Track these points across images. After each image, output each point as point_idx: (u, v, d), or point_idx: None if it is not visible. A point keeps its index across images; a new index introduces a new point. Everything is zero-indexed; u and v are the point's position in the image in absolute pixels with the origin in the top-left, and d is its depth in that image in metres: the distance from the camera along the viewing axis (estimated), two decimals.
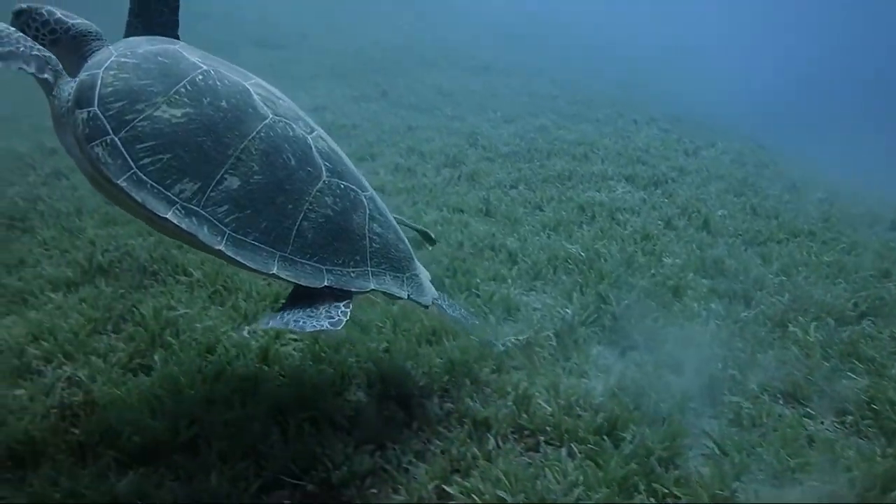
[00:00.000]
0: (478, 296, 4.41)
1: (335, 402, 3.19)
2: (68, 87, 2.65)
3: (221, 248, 2.52)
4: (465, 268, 4.76)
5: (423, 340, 3.76)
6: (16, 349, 3.47)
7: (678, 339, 3.94)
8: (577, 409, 3.23)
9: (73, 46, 2.83)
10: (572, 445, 2.99)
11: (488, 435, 3.00)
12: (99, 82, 2.57)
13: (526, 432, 3.09)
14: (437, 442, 2.98)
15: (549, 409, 3.20)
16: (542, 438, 3.06)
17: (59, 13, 2.83)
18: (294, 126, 2.82)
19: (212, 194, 2.54)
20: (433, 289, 3.15)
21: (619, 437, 3.04)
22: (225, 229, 2.54)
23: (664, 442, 2.99)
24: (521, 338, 3.86)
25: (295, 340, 3.71)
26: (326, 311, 2.64)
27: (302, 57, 13.66)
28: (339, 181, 2.83)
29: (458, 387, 3.35)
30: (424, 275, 3.16)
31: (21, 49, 2.60)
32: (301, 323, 2.56)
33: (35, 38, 2.78)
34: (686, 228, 6.13)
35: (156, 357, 3.46)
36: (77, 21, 2.85)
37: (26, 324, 3.71)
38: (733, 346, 3.95)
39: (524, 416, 3.14)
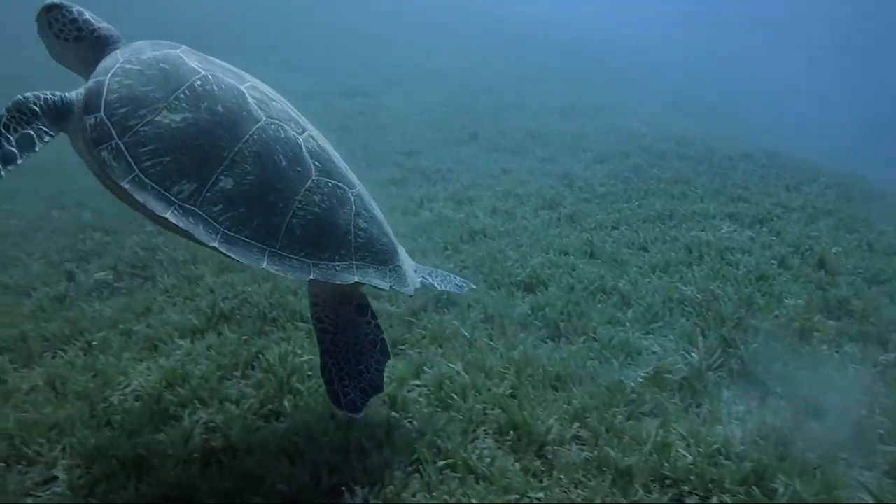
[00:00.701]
0: (595, 340, 4.34)
1: (469, 449, 3.16)
2: (77, 95, 2.83)
3: (215, 245, 2.68)
4: (580, 311, 4.69)
5: (547, 385, 3.71)
6: (153, 395, 3.58)
7: (815, 384, 3.77)
8: (720, 457, 3.11)
9: (94, 47, 3.05)
10: (720, 497, 2.87)
11: (633, 485, 2.91)
12: (105, 89, 2.75)
13: (668, 482, 2.99)
14: (580, 492, 2.91)
15: (690, 457, 3.08)
16: (685, 489, 2.95)
17: (87, 14, 3.07)
18: (286, 127, 2.97)
19: (207, 194, 2.70)
20: (416, 278, 3.29)
21: (768, 489, 2.90)
22: (219, 227, 2.70)
23: (819, 494, 2.84)
24: (648, 383, 3.77)
25: (419, 386, 3.71)
26: (361, 376, 2.95)
27: (390, 103, 13.95)
28: (328, 179, 2.98)
29: (594, 434, 3.27)
30: (409, 265, 3.30)
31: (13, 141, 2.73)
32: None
33: (60, 33, 3.04)
34: (801, 267, 5.91)
35: (286, 403, 3.51)
36: (102, 25, 3.09)
37: (160, 370, 3.84)
38: (876, 392, 3.75)
39: (665, 464, 3.04)
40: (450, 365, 3.84)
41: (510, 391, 3.62)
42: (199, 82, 2.86)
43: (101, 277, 5.56)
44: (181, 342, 4.23)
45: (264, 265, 2.74)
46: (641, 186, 8.52)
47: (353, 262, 2.95)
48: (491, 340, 4.22)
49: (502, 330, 4.39)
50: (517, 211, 7.35)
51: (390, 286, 3.06)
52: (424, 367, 3.86)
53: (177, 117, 2.75)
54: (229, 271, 5.61)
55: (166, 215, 2.65)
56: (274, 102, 3.07)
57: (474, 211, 7.28)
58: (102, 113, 2.72)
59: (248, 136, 2.83)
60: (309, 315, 4.42)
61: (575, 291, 5.06)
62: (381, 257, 3.09)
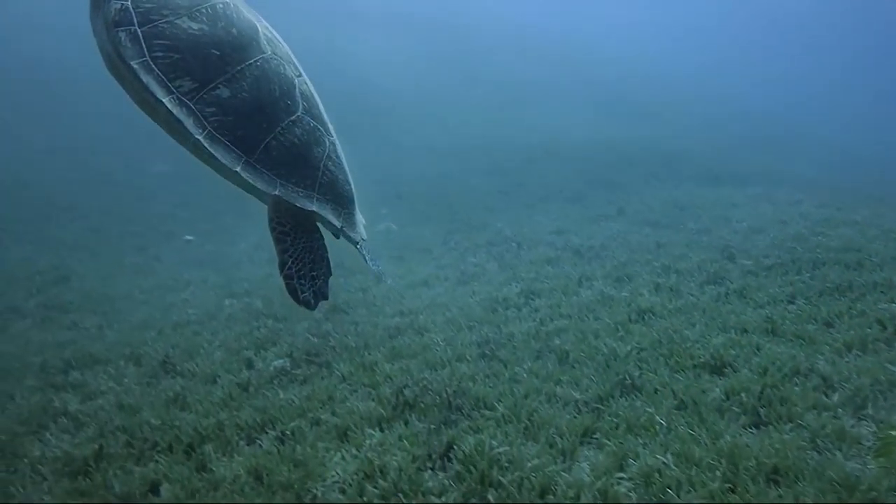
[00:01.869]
0: (804, 427, 4.02)
1: None
2: None
3: (200, 138, 3.02)
4: (780, 395, 4.38)
5: (766, 479, 3.44)
6: (356, 488, 3.57)
7: None
8: None
9: None
10: None
11: None
12: None
13: None
14: None
15: None
16: None
17: None
18: (286, 66, 3.32)
19: (204, 96, 3.02)
20: (364, 233, 3.67)
21: None
22: (207, 125, 3.03)
23: None
24: (882, 476, 3.43)
25: (626, 479, 3.53)
26: (314, 281, 3.40)
27: (530, 181, 14.04)
28: (311, 120, 3.32)
29: None
30: (360, 220, 3.72)
31: None
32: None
33: None
34: None
35: (490, 497, 3.42)
36: None
37: (356, 461, 3.84)
38: None
39: None
40: (656, 456, 3.64)
41: (727, 485, 3.38)
42: (220, 5, 3.21)
43: (280, 365, 5.72)
44: (371, 431, 4.24)
45: (238, 169, 3.11)
46: (809, 256, 8.05)
47: (315, 194, 3.33)
48: (691, 429, 3.99)
49: (699, 417, 4.15)
50: (682, 287, 7.09)
51: (341, 226, 3.51)
52: (628, 459, 3.68)
53: (194, 25, 3.07)
54: (400, 356, 5.65)
55: (164, 100, 2.99)
56: (281, 45, 3.40)
57: (637, 288, 7.08)
58: (129, 3, 3.03)
59: (252, 60, 3.19)
60: (493, 402, 4.38)
61: (769, 374, 4.75)
62: (341, 200, 3.50)
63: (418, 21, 31.27)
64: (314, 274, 3.41)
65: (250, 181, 3.12)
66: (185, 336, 6.82)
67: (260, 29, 3.34)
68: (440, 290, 7.60)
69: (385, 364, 5.45)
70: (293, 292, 3.35)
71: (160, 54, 2.97)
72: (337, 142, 3.52)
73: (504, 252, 9.07)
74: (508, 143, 18.15)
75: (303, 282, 3.37)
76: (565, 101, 23.09)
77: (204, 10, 3.11)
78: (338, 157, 3.50)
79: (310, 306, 3.32)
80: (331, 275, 3.41)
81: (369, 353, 5.78)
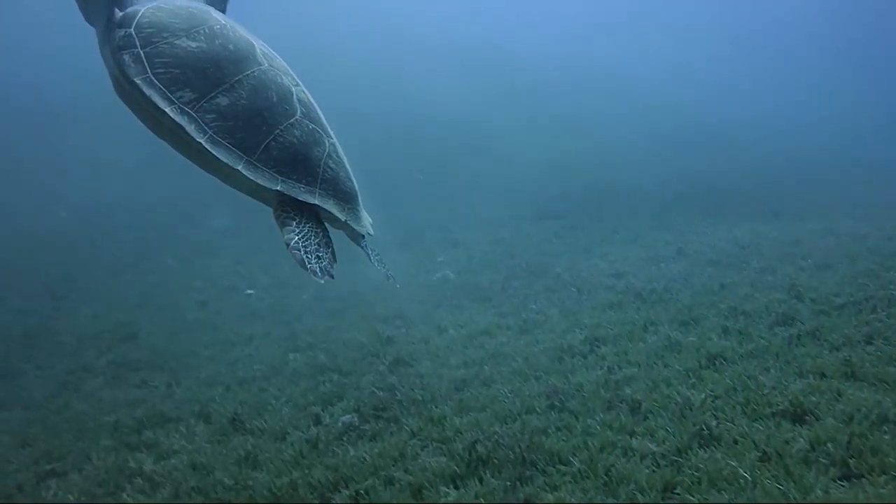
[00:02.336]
0: None
1: None
2: (117, 14, 3.45)
3: (202, 141, 3.23)
4: (870, 446, 4.21)
5: None
6: None
7: None
8: None
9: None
10: None
11: None
12: (139, 14, 3.43)
13: None
14: None
15: None
16: None
17: None
18: (283, 77, 3.56)
19: (205, 105, 3.28)
20: (370, 228, 3.82)
21: None
22: (208, 130, 3.26)
23: None
24: None
25: None
26: (320, 252, 3.41)
27: (584, 224, 13.96)
28: (309, 122, 3.53)
29: None
30: (366, 217, 3.84)
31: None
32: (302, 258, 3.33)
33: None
34: None
35: None
36: None
37: None
38: None
39: None
40: None
41: None
42: (217, 26, 3.53)
43: (348, 420, 5.73)
44: (446, 489, 4.20)
45: (240, 167, 3.30)
46: (883, 294, 7.78)
47: (317, 189, 3.49)
48: (778, 483, 3.85)
49: (785, 470, 4.01)
50: (751, 329, 6.91)
51: (345, 219, 3.58)
52: None
53: (193, 44, 3.39)
54: (468, 410, 5.61)
55: (166, 110, 3.23)
56: (277, 59, 3.68)
57: (705, 332, 6.92)
58: (132, 29, 3.38)
59: (249, 71, 3.46)
60: (567, 457, 4.30)
61: (854, 422, 4.57)
62: (343, 196, 3.61)
63: (466, 53, 31.68)
64: (319, 255, 3.49)
65: (252, 178, 3.33)
66: (252, 392, 6.88)
67: (256, 45, 3.62)
68: (503, 340, 7.55)
69: (454, 418, 5.41)
70: (301, 262, 3.41)
71: (161, 70, 3.28)
72: (337, 144, 3.75)
73: (565, 298, 8.99)
74: (561, 183, 18.14)
75: (309, 256, 3.42)
76: (617, 140, 23.00)
77: (201, 31, 3.45)
78: (339, 156, 3.70)
79: (316, 275, 3.38)
80: (336, 261, 3.57)
81: (437, 407, 5.75)
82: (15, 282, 12.25)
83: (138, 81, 3.27)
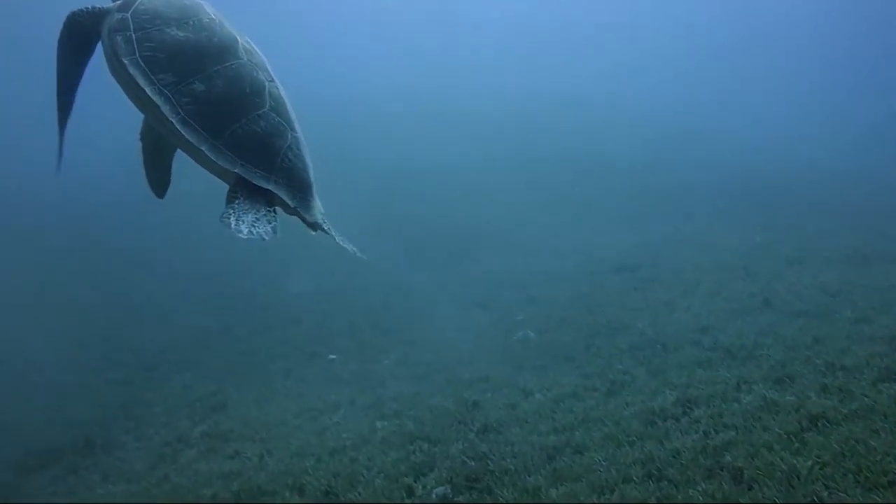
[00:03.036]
0: None
1: None
2: (115, 4, 3.93)
3: (174, 120, 3.59)
4: None
5: None
6: None
7: None
8: None
9: None
10: None
11: None
12: (137, 3, 3.85)
13: None
14: None
15: None
16: None
17: None
18: (259, 72, 3.91)
19: (182, 88, 3.63)
20: (320, 215, 4.04)
21: None
22: (181, 111, 3.61)
23: None
24: None
25: None
26: (256, 222, 3.65)
27: (663, 276, 13.73)
28: (276, 116, 3.86)
29: None
30: (318, 207, 4.06)
31: None
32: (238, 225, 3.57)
33: None
34: None
35: None
36: None
37: None
38: None
39: None
40: None
41: None
42: (206, 19, 3.92)
43: (441, 493, 5.74)
44: None
45: (204, 148, 3.63)
46: None
47: (272, 176, 3.78)
48: None
49: None
50: (852, 387, 6.64)
51: (295, 206, 3.86)
52: None
53: (181, 33, 3.79)
54: (566, 480, 5.55)
55: (146, 89, 3.62)
56: (257, 56, 4.03)
57: (802, 391, 6.69)
58: (129, 14, 3.80)
59: (228, 63, 3.82)
60: None
61: None
62: (297, 185, 3.89)
63: (535, 107, 31.88)
64: (254, 223, 3.76)
65: (214, 159, 3.67)
66: (343, 463, 6.95)
67: (240, 41, 3.99)
68: (591, 403, 7.45)
69: (549, 489, 5.36)
70: (230, 227, 3.72)
71: (148, 53, 3.67)
72: (301, 139, 4.06)
73: (650, 356, 8.83)
74: (637, 233, 17.90)
75: (239, 224, 3.69)
76: (692, 185, 22.64)
77: (191, 22, 3.86)
78: (299, 150, 3.99)
79: (241, 234, 3.67)
80: (275, 234, 3.83)
81: (530, 477, 5.71)
82: (110, 353, 12.75)
83: (126, 61, 3.72)
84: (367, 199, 20.20)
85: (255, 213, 3.77)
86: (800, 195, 20.08)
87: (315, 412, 9.00)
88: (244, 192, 3.81)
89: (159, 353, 12.84)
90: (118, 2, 3.99)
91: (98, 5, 4.13)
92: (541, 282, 14.39)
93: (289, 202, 3.89)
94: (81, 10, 4.16)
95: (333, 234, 4.29)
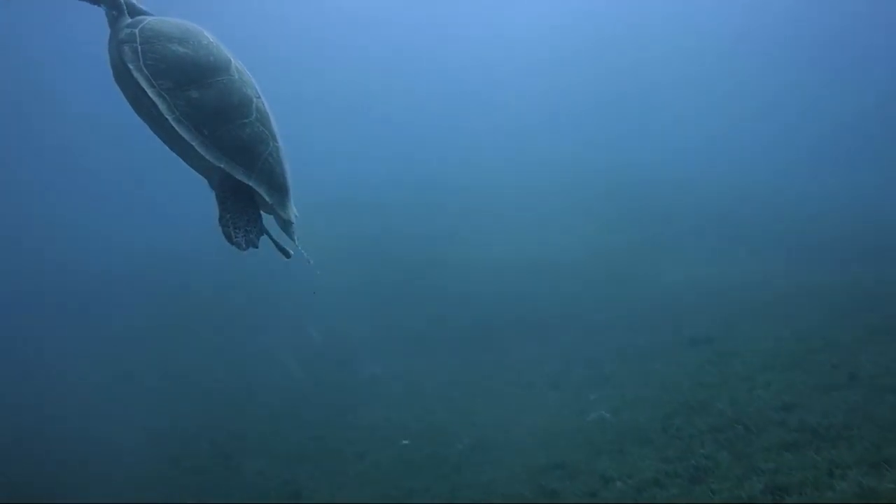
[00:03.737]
0: None
1: None
2: (127, 19, 4.49)
3: (170, 118, 4.11)
4: None
5: None
6: None
7: None
8: None
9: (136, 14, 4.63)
10: None
11: None
12: (145, 21, 4.44)
13: None
14: None
15: None
16: None
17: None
18: (248, 88, 4.49)
19: (178, 93, 4.19)
20: (293, 217, 4.55)
21: None
22: (176, 112, 4.16)
23: None
24: None
25: None
26: (246, 233, 4.28)
27: (740, 348, 13.34)
28: (260, 126, 4.42)
29: None
30: (292, 207, 4.58)
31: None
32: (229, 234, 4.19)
33: (120, 9, 4.58)
34: None
35: None
36: (143, 6, 4.67)
37: None
38: None
39: None
40: None
41: None
42: (205, 41, 4.48)
43: None
44: None
45: (195, 144, 4.18)
46: None
47: (253, 174, 4.34)
48: None
49: None
50: None
51: (272, 203, 4.40)
52: None
53: (181, 49, 4.35)
54: None
55: (147, 90, 4.15)
56: (247, 75, 4.61)
57: None
58: (137, 29, 4.36)
59: (220, 78, 4.40)
60: None
61: None
62: (275, 186, 4.43)
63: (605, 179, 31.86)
64: (248, 229, 4.34)
65: (202, 153, 4.20)
66: None
67: (232, 61, 4.56)
68: (675, 492, 7.22)
69: None
70: (228, 237, 4.23)
71: (151, 63, 4.23)
72: (282, 148, 4.61)
73: (732, 438, 8.53)
74: (708, 304, 17.53)
75: (237, 231, 4.25)
76: (764, 249, 22.16)
77: (191, 41, 4.43)
78: (278, 156, 4.54)
79: (240, 247, 4.24)
80: (262, 234, 4.47)
81: None
82: (186, 442, 12.95)
83: (131, 66, 4.25)
84: (436, 283, 20.47)
85: (247, 218, 4.43)
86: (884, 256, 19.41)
87: (391, 500, 8.93)
88: (230, 194, 4.43)
89: (233, 439, 12.98)
90: (127, 20, 4.65)
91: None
92: (612, 359, 14.16)
93: (267, 198, 4.46)
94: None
95: (294, 237, 4.83)
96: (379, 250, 25.41)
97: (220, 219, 4.29)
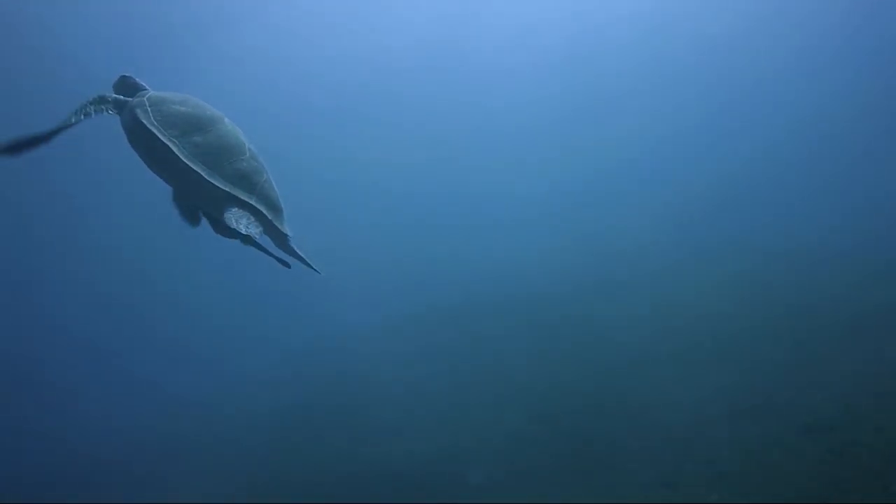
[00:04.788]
0: None
1: None
2: (131, 99, 5.72)
3: (181, 156, 5.19)
4: None
5: None
6: None
7: None
8: None
9: (138, 90, 5.92)
10: None
11: None
12: (149, 92, 5.73)
13: None
14: None
15: None
16: None
17: (137, 80, 5.96)
18: (241, 136, 5.68)
19: (184, 138, 5.25)
20: (289, 230, 5.73)
21: None
22: (186, 151, 5.19)
23: None
24: None
25: None
26: (249, 223, 5.28)
27: (866, 439, 12.49)
28: (255, 162, 5.60)
29: None
30: (289, 230, 5.75)
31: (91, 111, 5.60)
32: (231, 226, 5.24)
33: (127, 88, 5.94)
34: None
35: None
36: (143, 83, 5.91)
37: None
38: None
39: None
40: None
41: None
42: (201, 102, 5.67)
43: None
44: None
45: (204, 175, 5.24)
46: None
47: (254, 196, 5.39)
48: None
49: None
50: None
51: (272, 218, 5.49)
52: None
53: (182, 108, 5.49)
54: None
55: (160, 137, 5.27)
56: (238, 128, 5.72)
57: None
58: (145, 98, 5.53)
59: (217, 126, 5.53)
60: None
61: None
62: (272, 205, 5.55)
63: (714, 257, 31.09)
64: (248, 225, 5.29)
65: (209, 179, 5.22)
66: None
67: (225, 117, 5.68)
68: None
69: None
70: (229, 224, 5.24)
71: (160, 118, 5.36)
72: (272, 180, 5.73)
73: None
74: (826, 385, 16.56)
75: (239, 223, 5.23)
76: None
77: (189, 101, 5.62)
78: (272, 185, 5.65)
79: (239, 228, 5.23)
80: (262, 232, 5.57)
81: None
82: None
83: (144, 122, 5.31)
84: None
85: (248, 218, 5.32)
86: None
87: None
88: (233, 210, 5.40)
89: None
90: (132, 97, 5.83)
91: (105, 95, 5.78)
92: (727, 453, 13.46)
93: (266, 214, 5.46)
94: (106, 97, 5.78)
95: (297, 250, 5.92)
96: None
97: (227, 217, 5.33)
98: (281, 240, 5.92)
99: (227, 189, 5.33)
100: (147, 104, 5.52)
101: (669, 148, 45.81)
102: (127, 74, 6.04)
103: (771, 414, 15.28)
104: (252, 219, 5.34)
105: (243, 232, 5.16)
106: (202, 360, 29.43)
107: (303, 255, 5.88)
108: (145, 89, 5.93)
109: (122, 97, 5.85)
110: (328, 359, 26.90)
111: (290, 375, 26.38)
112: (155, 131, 5.31)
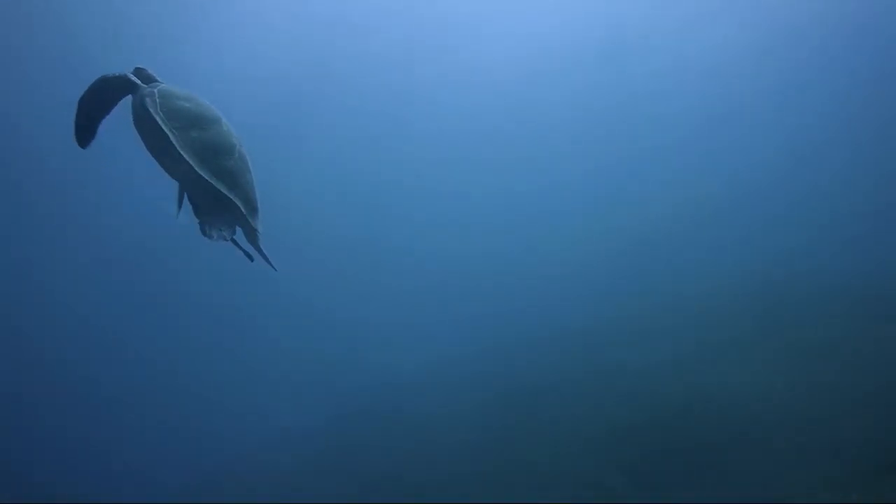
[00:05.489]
0: None
1: None
2: (145, 86, 5.94)
3: (177, 146, 5.49)
4: None
5: None
6: None
7: None
8: None
9: (151, 81, 6.12)
10: None
11: None
12: (160, 85, 5.93)
13: None
14: None
15: None
16: None
17: (151, 72, 6.15)
18: (233, 137, 5.96)
19: (183, 132, 5.59)
20: (260, 226, 6.05)
21: None
22: (183, 143, 5.57)
23: None
24: None
25: None
26: (223, 226, 5.78)
27: None
28: (241, 163, 5.87)
29: None
30: (261, 225, 6.07)
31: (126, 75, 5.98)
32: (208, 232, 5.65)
33: (142, 79, 6.01)
34: None
35: None
36: (154, 74, 6.14)
37: None
38: None
39: None
40: None
41: None
42: (204, 102, 5.90)
43: None
44: None
45: (194, 165, 5.51)
46: None
47: (234, 192, 5.68)
48: None
49: None
50: None
51: (246, 213, 5.76)
52: None
53: (186, 104, 5.72)
54: None
55: (163, 127, 5.48)
56: (233, 129, 6.01)
57: None
58: (156, 90, 5.74)
59: (214, 126, 5.76)
60: None
61: None
62: (249, 203, 5.85)
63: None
64: (221, 229, 5.68)
65: (197, 169, 5.49)
66: None
67: (222, 117, 5.95)
68: None
69: None
70: (203, 231, 5.58)
71: (165, 110, 5.62)
72: (254, 182, 6.01)
73: None
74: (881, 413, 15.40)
75: (212, 228, 5.60)
76: None
77: (193, 99, 5.87)
78: (253, 186, 5.95)
79: (211, 239, 5.59)
80: (234, 234, 5.83)
81: None
82: None
83: (151, 111, 5.59)
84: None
85: (221, 222, 5.73)
86: None
87: None
88: (208, 207, 5.74)
89: None
90: (144, 85, 6.04)
91: (126, 74, 6.05)
92: (805, 495, 12.59)
93: (242, 209, 5.73)
94: (114, 75, 6.09)
95: (261, 247, 6.17)
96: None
97: (200, 221, 5.71)
98: (252, 235, 6.22)
99: (211, 181, 5.67)
100: (157, 95, 5.88)
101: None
102: (141, 66, 6.45)
103: (843, 448, 14.30)
104: (224, 229, 5.82)
105: (215, 240, 5.67)
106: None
107: (265, 253, 6.39)
108: (157, 81, 6.34)
109: (138, 81, 6.21)
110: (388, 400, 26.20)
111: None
112: (158, 120, 5.70)
